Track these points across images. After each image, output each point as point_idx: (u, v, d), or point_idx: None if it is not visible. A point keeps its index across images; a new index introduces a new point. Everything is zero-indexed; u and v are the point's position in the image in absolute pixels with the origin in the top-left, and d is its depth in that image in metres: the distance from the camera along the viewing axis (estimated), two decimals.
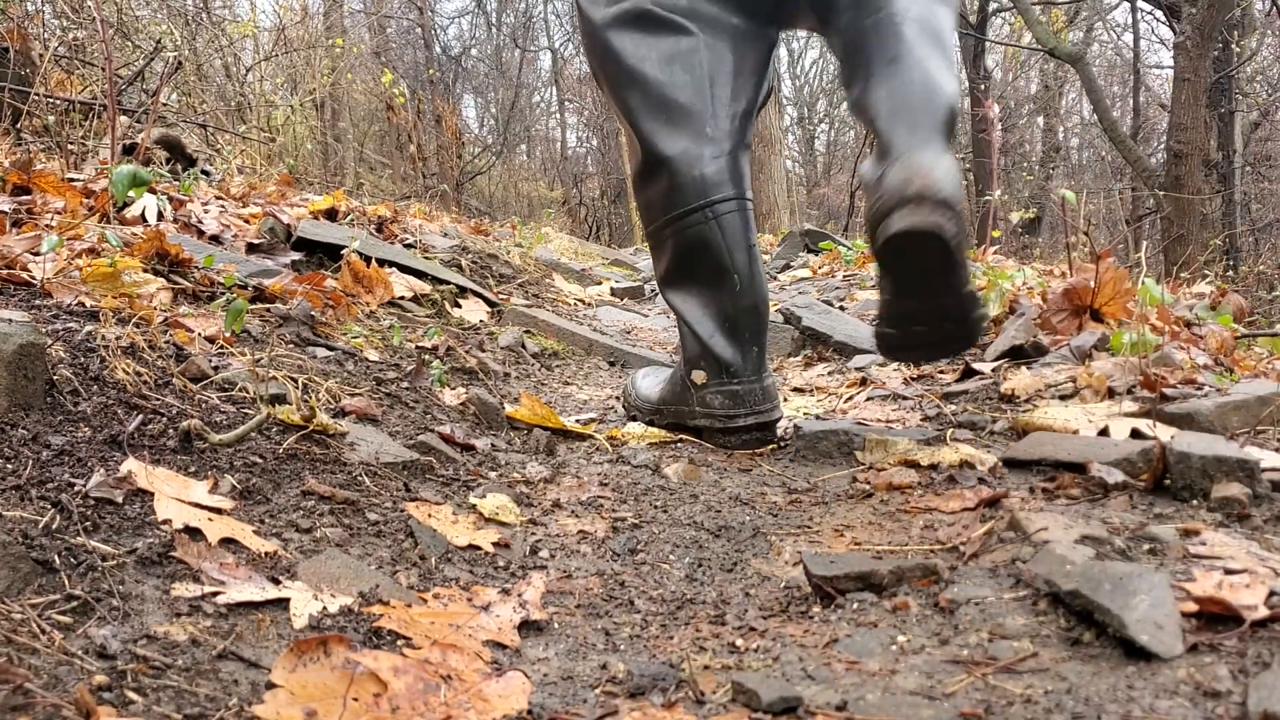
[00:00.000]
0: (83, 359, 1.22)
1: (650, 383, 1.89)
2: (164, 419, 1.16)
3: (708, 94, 1.67)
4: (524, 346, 2.39)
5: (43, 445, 1.00)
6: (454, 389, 1.78)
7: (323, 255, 2.48)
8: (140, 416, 1.13)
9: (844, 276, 4.29)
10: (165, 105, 4.82)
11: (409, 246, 2.98)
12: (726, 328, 1.67)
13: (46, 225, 1.95)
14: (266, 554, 0.95)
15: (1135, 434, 1.36)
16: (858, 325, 2.53)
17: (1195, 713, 0.65)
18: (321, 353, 1.69)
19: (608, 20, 1.68)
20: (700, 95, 1.66)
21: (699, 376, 1.70)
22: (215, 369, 1.37)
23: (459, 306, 2.59)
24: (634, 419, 1.87)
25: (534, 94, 18.50)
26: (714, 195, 1.64)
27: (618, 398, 2.11)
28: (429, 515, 1.17)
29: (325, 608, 0.88)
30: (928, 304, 1.50)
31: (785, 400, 2.02)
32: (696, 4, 1.66)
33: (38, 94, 3.55)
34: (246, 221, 2.62)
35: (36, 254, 1.61)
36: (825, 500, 1.36)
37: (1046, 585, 0.85)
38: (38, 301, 1.45)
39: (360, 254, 2.36)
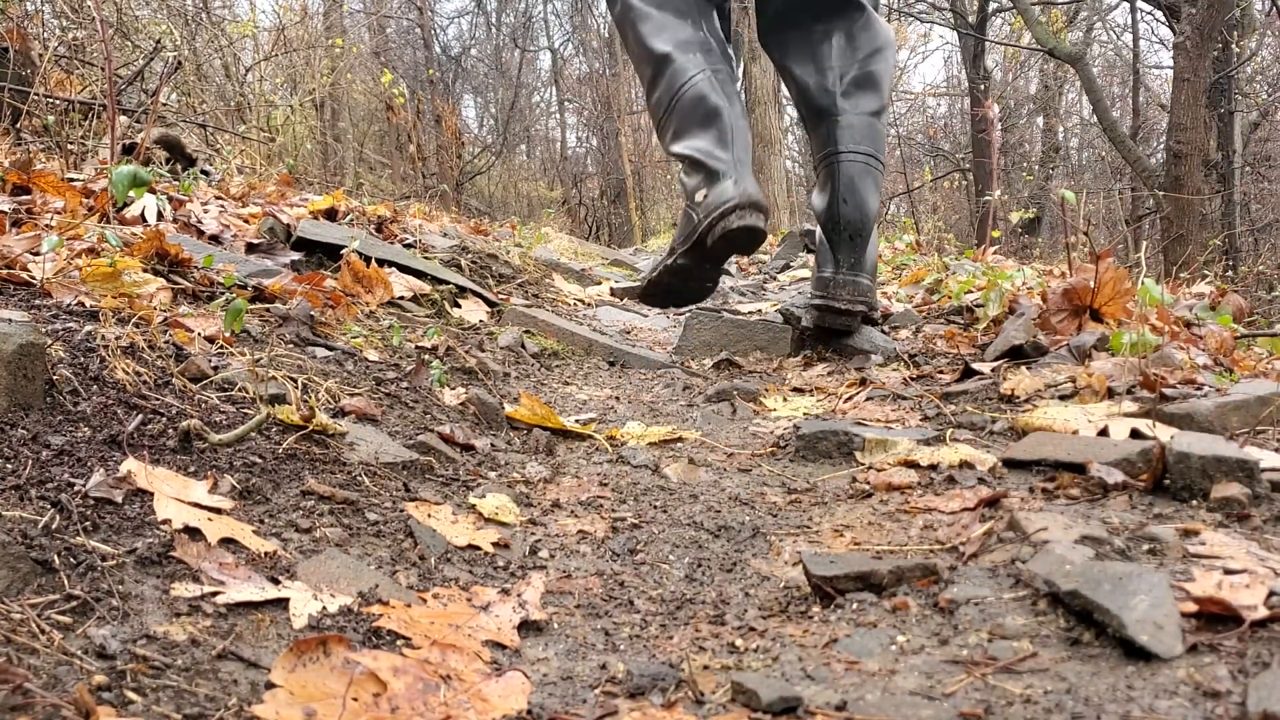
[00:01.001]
0: (82, 359, 1.22)
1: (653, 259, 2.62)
2: (164, 419, 1.16)
3: (695, 13, 2.30)
4: (523, 346, 2.39)
5: (42, 445, 1.00)
6: (454, 389, 1.78)
7: (322, 255, 2.48)
8: (140, 416, 1.13)
9: None
10: (165, 105, 4.82)
11: (409, 246, 2.98)
12: (723, 146, 2.15)
13: (46, 225, 1.95)
14: (266, 554, 0.95)
15: (1135, 434, 1.36)
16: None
17: (1195, 713, 0.65)
18: (321, 353, 1.69)
19: None
20: (688, 10, 2.29)
21: (700, 194, 2.15)
22: (215, 369, 1.37)
23: (459, 306, 2.59)
24: (649, 295, 2.40)
25: (534, 94, 18.50)
26: (703, 66, 2.21)
27: (617, 398, 2.11)
28: (428, 515, 1.17)
29: (325, 608, 0.88)
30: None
31: (785, 400, 2.02)
32: None
33: (37, 94, 3.55)
34: (246, 221, 2.61)
35: (36, 254, 1.61)
36: (825, 500, 1.36)
37: (1046, 585, 0.85)
38: (37, 301, 1.45)
39: (360, 254, 2.36)
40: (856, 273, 2.38)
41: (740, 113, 2.20)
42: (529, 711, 0.78)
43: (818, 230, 2.47)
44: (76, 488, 0.93)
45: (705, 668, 0.86)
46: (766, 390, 2.10)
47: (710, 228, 2.04)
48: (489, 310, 2.66)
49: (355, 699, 0.73)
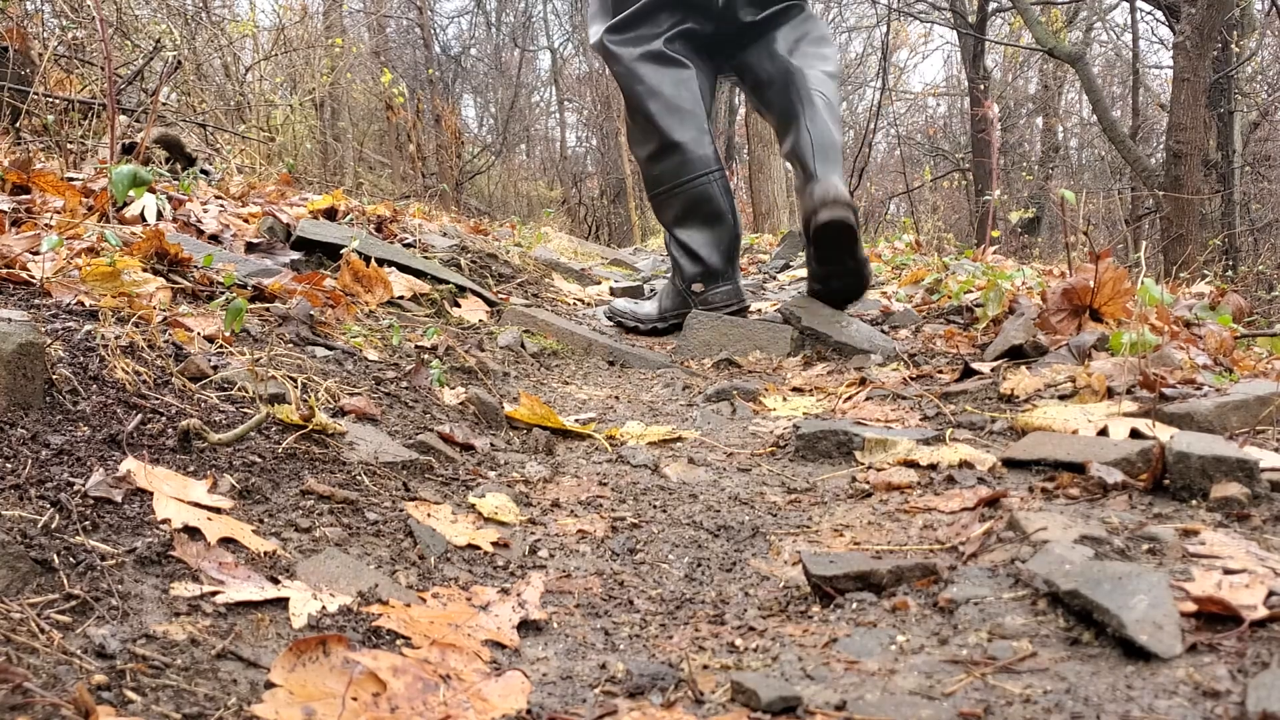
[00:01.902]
0: (82, 358, 1.22)
1: (645, 305, 3.00)
2: (163, 418, 1.16)
3: (702, 105, 2.73)
4: (523, 346, 2.39)
5: (42, 444, 1.00)
6: (453, 388, 1.78)
7: (322, 255, 2.48)
8: (139, 416, 1.13)
9: None
10: (164, 104, 4.82)
11: (408, 246, 2.98)
12: (721, 250, 2.74)
13: (46, 224, 1.94)
14: (265, 553, 0.95)
15: (1134, 434, 1.36)
16: (858, 325, 2.53)
17: (1194, 713, 0.66)
18: (321, 352, 1.69)
19: (636, 57, 2.70)
20: (698, 105, 2.72)
21: (699, 286, 2.76)
22: (214, 368, 1.37)
23: (458, 306, 2.59)
24: (633, 329, 2.95)
25: (533, 94, 18.51)
26: (713, 167, 2.71)
27: (617, 397, 2.11)
28: (428, 515, 1.17)
29: (324, 607, 0.88)
30: (840, 266, 2.58)
31: (785, 400, 2.02)
32: (689, 52, 2.75)
33: (37, 93, 3.55)
34: (246, 221, 2.61)
35: (36, 253, 1.61)
36: (824, 500, 1.36)
37: (1045, 585, 0.85)
38: (37, 300, 1.45)
39: (359, 253, 2.36)
40: (830, 172, 2.53)
41: (737, 219, 2.77)
42: (529, 711, 0.78)
43: (791, 169, 2.85)
44: (76, 487, 0.93)
45: (705, 667, 0.86)
46: (766, 390, 2.10)
47: (712, 310, 2.72)
48: (488, 310, 2.66)
49: (355, 698, 0.73)
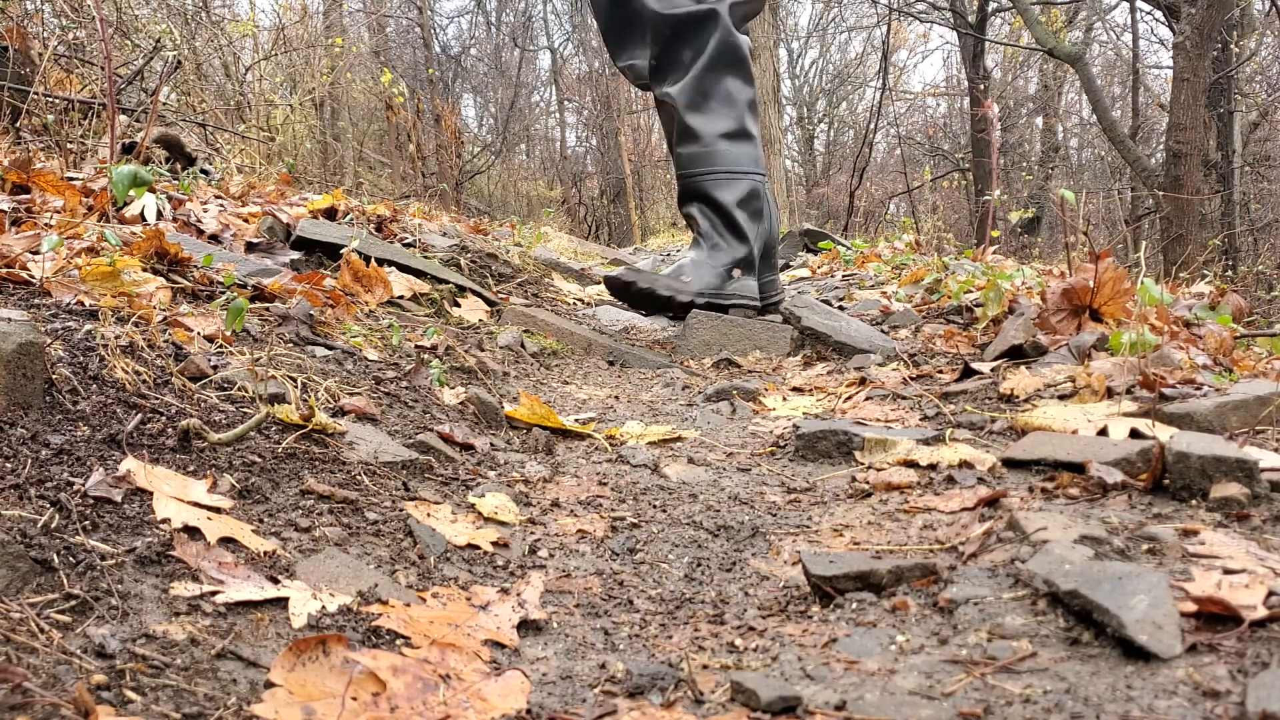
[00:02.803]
0: (82, 358, 1.22)
1: (689, 276, 2.92)
2: (163, 418, 1.15)
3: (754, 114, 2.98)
4: (523, 346, 2.39)
5: (41, 444, 1.00)
6: (453, 388, 1.78)
7: (322, 254, 2.48)
8: (139, 415, 1.12)
9: (843, 276, 4.29)
10: (164, 104, 4.82)
11: (408, 245, 2.98)
12: (759, 246, 2.91)
13: (46, 224, 1.94)
14: (265, 553, 0.95)
15: (1134, 434, 1.36)
16: (858, 325, 2.53)
17: (1194, 712, 0.66)
18: (321, 352, 1.69)
19: (743, 40, 2.91)
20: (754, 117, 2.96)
21: (738, 271, 2.88)
22: (214, 368, 1.37)
23: (458, 306, 2.59)
24: (666, 303, 2.94)
25: (533, 93, 18.52)
26: (764, 171, 2.93)
27: (617, 397, 2.11)
28: (428, 514, 1.17)
29: (324, 607, 0.88)
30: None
31: (784, 400, 2.02)
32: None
33: (37, 93, 3.54)
34: (246, 220, 2.61)
35: (36, 253, 1.61)
36: (824, 500, 1.36)
37: (1045, 585, 0.85)
38: (37, 300, 1.45)
39: (359, 253, 2.36)
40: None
41: (774, 220, 2.97)
42: (528, 711, 0.78)
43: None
44: (76, 487, 0.93)
45: (704, 667, 0.86)
46: (766, 390, 2.10)
47: (733, 305, 2.86)
48: (488, 309, 2.66)
49: (354, 698, 0.73)
